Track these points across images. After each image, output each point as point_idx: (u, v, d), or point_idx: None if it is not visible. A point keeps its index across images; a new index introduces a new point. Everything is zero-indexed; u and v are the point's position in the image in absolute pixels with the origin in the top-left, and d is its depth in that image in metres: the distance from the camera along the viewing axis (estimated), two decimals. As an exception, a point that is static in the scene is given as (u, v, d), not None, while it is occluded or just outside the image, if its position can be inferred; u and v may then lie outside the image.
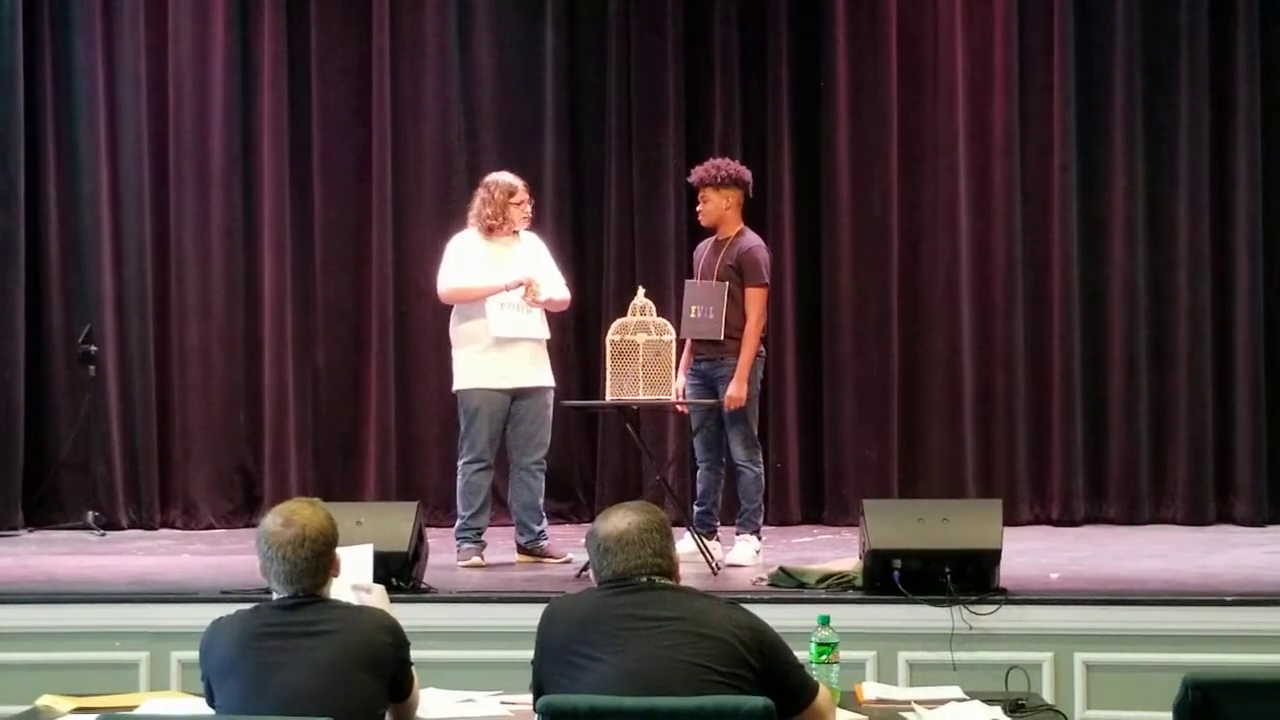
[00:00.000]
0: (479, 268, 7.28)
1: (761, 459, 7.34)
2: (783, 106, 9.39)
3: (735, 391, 7.10)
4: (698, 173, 7.41)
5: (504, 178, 7.45)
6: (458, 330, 7.36)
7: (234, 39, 9.45)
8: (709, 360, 7.23)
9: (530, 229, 7.52)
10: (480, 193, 7.42)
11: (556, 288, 7.45)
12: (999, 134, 9.29)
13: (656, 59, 9.43)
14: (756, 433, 7.34)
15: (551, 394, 7.43)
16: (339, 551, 3.85)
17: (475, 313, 7.27)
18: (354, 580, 4.06)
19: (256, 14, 9.44)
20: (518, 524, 7.43)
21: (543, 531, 7.41)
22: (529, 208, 7.44)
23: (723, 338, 7.16)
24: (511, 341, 7.26)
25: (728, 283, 7.18)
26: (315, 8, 9.48)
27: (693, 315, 7.20)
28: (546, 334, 7.41)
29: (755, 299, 7.21)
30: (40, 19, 9.37)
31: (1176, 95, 9.20)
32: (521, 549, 7.41)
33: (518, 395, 7.30)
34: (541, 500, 7.42)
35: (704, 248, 7.47)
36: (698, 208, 7.41)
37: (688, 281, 7.46)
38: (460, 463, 7.37)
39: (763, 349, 7.33)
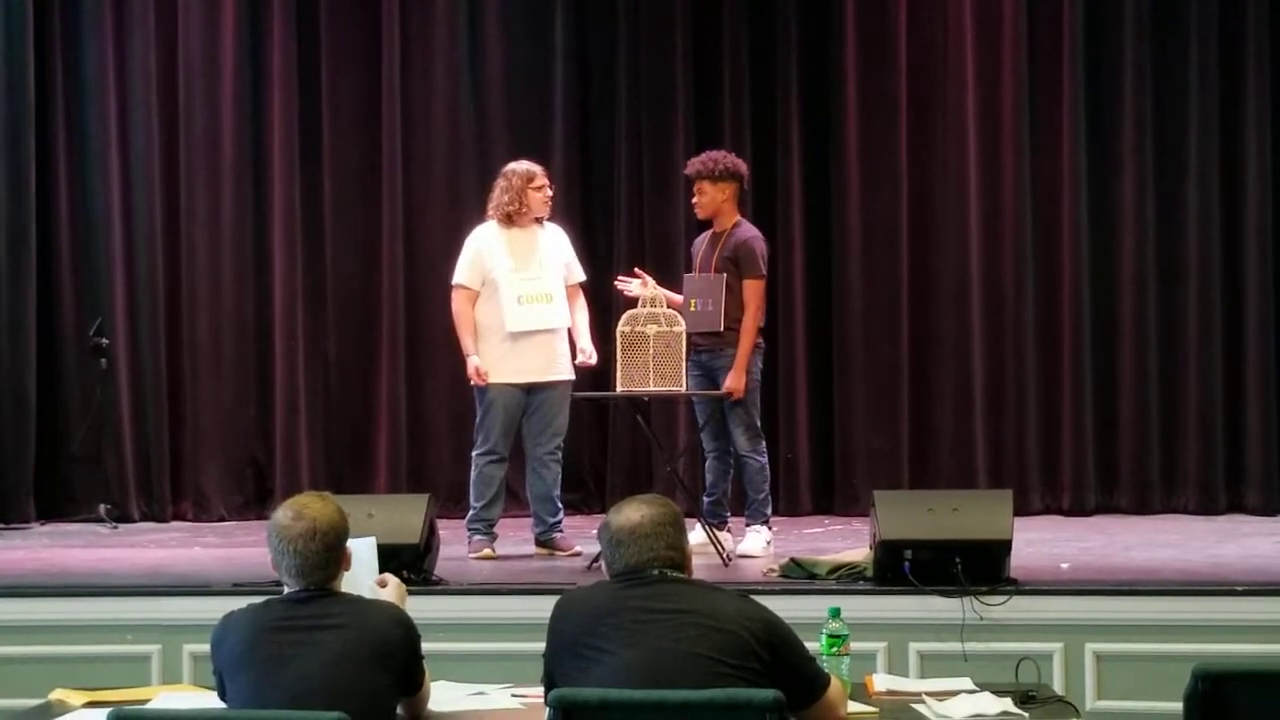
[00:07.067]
0: (497, 263, 7.26)
1: (765, 449, 7.34)
2: (792, 96, 9.38)
3: (733, 382, 7.10)
4: (694, 165, 7.40)
5: (522, 164, 7.45)
6: (474, 322, 7.33)
7: (244, 33, 9.45)
8: (708, 351, 7.22)
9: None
10: (499, 182, 7.40)
11: (575, 274, 7.50)
12: (1008, 123, 9.26)
13: (666, 51, 9.41)
14: (759, 423, 7.34)
15: (569, 385, 7.40)
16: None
17: (492, 306, 7.26)
18: (363, 575, 4.05)
19: (267, 8, 9.44)
20: (534, 515, 7.43)
21: (556, 524, 7.39)
22: (549, 192, 7.43)
23: (723, 329, 7.16)
24: (528, 335, 7.26)
25: (725, 275, 7.18)
26: (325, 1, 9.49)
27: (693, 308, 7.18)
28: (566, 322, 7.37)
29: (753, 290, 7.20)
30: (51, 13, 9.38)
31: (1186, 83, 9.15)
32: (535, 540, 7.41)
33: (534, 389, 7.30)
34: (557, 492, 7.39)
35: (701, 241, 7.47)
36: (694, 200, 7.41)
37: (685, 275, 7.45)
38: (474, 454, 7.36)
39: (761, 341, 7.33)
